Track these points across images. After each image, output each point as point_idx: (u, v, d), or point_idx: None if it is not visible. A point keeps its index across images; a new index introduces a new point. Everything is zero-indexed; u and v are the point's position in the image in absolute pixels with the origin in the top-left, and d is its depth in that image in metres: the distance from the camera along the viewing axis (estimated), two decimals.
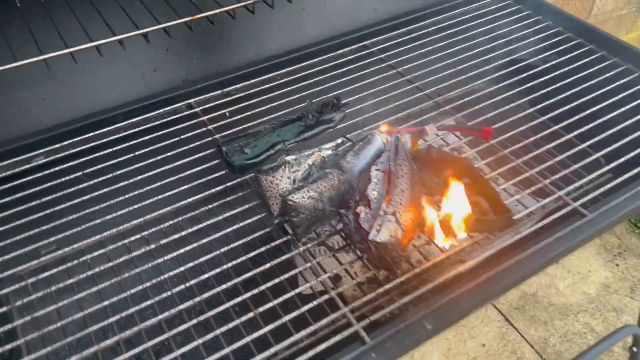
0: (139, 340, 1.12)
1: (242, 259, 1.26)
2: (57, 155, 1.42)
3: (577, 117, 1.55)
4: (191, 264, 1.25)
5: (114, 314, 1.16)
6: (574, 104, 1.59)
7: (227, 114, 1.57)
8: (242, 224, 1.33)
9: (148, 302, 1.18)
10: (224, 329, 1.12)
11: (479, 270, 1.18)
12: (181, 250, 1.28)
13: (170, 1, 1.37)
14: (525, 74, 1.71)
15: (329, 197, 1.23)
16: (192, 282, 1.23)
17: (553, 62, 1.73)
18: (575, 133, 1.52)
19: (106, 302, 1.17)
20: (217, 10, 1.33)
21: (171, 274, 1.23)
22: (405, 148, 1.31)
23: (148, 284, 1.21)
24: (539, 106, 1.61)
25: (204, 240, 1.31)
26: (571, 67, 1.71)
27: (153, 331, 1.39)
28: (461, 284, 1.14)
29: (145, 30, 1.28)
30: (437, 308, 1.09)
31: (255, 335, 1.10)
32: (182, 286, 1.21)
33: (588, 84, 1.65)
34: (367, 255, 1.16)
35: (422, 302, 1.13)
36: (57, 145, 1.44)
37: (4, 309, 1.13)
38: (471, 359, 2.23)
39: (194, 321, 1.15)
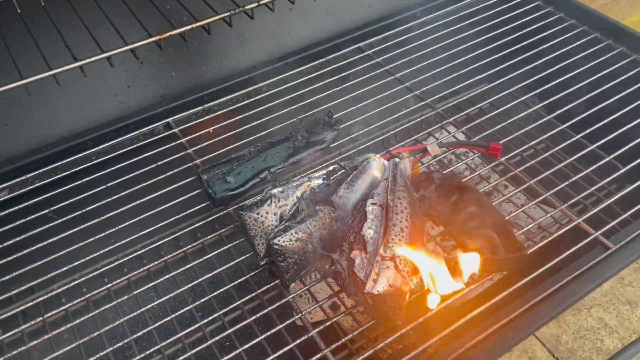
0: None
1: (235, 304, 1.16)
2: (22, 190, 1.30)
3: (599, 124, 1.41)
4: (179, 312, 1.15)
5: None
6: (595, 109, 1.45)
7: (211, 131, 1.43)
8: (233, 262, 1.23)
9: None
10: None
11: (489, 318, 1.06)
12: (168, 296, 1.18)
13: (139, 15, 1.21)
14: (538, 76, 1.55)
15: (319, 237, 1.10)
16: (181, 334, 1.13)
17: (569, 61, 1.57)
18: (598, 143, 1.38)
19: None
20: (190, 26, 1.18)
21: (157, 325, 1.14)
22: (404, 175, 1.17)
23: (132, 337, 1.12)
24: (557, 113, 1.46)
25: (193, 284, 1.20)
26: (588, 65, 1.55)
27: None
28: (469, 335, 1.02)
29: (109, 53, 1.13)
30: None
31: None
32: (171, 339, 1.11)
33: (607, 85, 1.50)
34: (363, 307, 1.04)
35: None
36: (22, 178, 1.32)
37: None
38: None
39: None
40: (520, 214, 1.44)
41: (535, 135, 1.44)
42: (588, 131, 1.39)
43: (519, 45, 1.62)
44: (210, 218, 1.31)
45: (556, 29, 1.66)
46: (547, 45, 1.61)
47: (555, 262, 1.12)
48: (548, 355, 2.24)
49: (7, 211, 1.25)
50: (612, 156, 1.34)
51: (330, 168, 1.22)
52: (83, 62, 1.11)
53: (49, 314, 1.15)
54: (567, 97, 1.48)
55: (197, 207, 1.30)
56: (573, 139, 1.39)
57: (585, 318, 2.31)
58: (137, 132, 1.43)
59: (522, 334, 1.02)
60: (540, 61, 1.57)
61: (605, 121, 1.40)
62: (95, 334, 1.11)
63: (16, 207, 1.25)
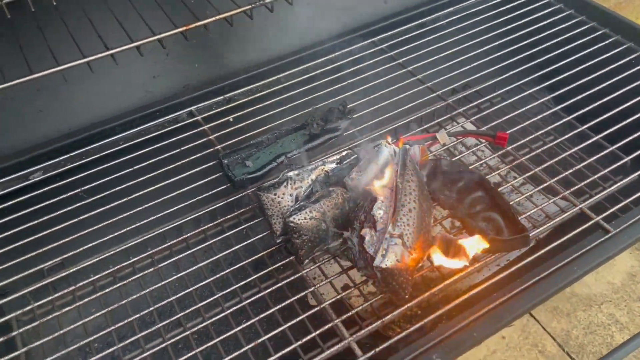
0: None
1: (251, 278, 1.23)
2: (55, 171, 1.39)
3: (605, 116, 1.46)
4: (198, 285, 1.22)
5: (120, 341, 1.14)
6: (602, 101, 1.50)
7: (231, 120, 1.51)
8: (249, 240, 1.30)
9: (154, 327, 1.16)
10: (233, 355, 1.09)
11: (493, 292, 1.11)
12: (188, 270, 1.25)
13: (166, 9, 1.30)
14: (547, 69, 1.60)
15: (332, 216, 1.17)
16: (200, 304, 1.20)
17: (577, 56, 1.62)
18: (603, 134, 1.43)
19: (112, 328, 1.15)
20: (214, 18, 1.26)
21: (177, 296, 1.21)
22: (414, 161, 1.24)
23: (154, 307, 1.19)
24: (564, 104, 1.51)
25: (211, 259, 1.28)
26: (597, 60, 1.60)
27: (159, 354, 1.39)
28: (474, 309, 1.08)
29: (139, 43, 1.22)
30: (447, 338, 1.03)
31: None
32: (190, 309, 1.19)
33: (616, 78, 1.54)
34: (372, 280, 1.10)
35: (431, 330, 1.08)
36: (55, 160, 1.40)
37: (9, 335, 1.11)
38: (491, 352, 2.18)
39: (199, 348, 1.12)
40: (527, 204, 1.49)
41: (542, 127, 1.49)
42: (593, 122, 1.44)
43: (528, 40, 1.67)
44: (229, 200, 1.38)
45: (566, 24, 1.71)
46: (556, 40, 1.66)
47: (557, 244, 1.17)
48: (558, 349, 2.29)
49: (41, 190, 1.33)
50: (615, 146, 1.39)
51: (344, 153, 1.29)
52: (114, 50, 1.20)
53: (78, 286, 1.23)
54: (574, 90, 1.53)
55: (217, 190, 1.37)
56: (579, 130, 1.44)
57: (596, 314, 2.35)
58: (162, 119, 1.51)
59: (522, 309, 1.07)
60: (549, 55, 1.62)
61: (611, 113, 1.44)
62: (119, 304, 1.18)
63: (49, 187, 1.34)
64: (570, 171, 1.36)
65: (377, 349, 1.02)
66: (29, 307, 1.19)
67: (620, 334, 2.13)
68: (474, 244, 1.12)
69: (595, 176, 1.38)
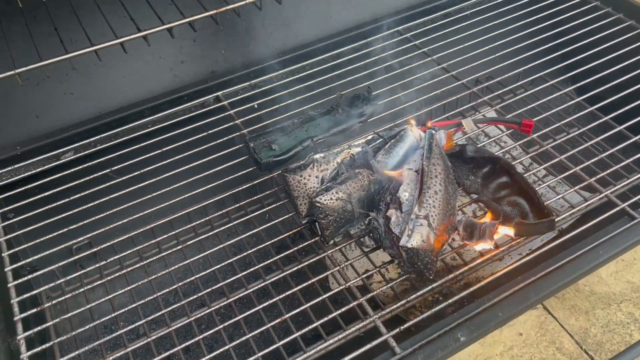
0: (170, 341, 1.12)
1: (273, 259, 1.24)
2: (86, 152, 1.42)
3: (629, 106, 1.45)
4: (222, 264, 1.24)
5: (146, 315, 1.16)
6: (626, 92, 1.49)
7: (256, 106, 1.53)
8: (272, 222, 1.31)
9: (178, 304, 1.18)
10: (255, 332, 1.10)
11: (517, 275, 1.12)
12: (212, 250, 1.27)
13: None
14: (571, 60, 1.60)
15: (358, 198, 1.18)
16: (222, 283, 1.22)
17: (601, 47, 1.61)
18: (626, 125, 1.42)
19: (139, 303, 1.17)
20: (244, 2, 1.28)
21: (201, 275, 1.22)
22: (439, 145, 1.25)
23: (179, 284, 1.21)
24: (587, 95, 1.51)
25: (235, 240, 1.30)
26: (622, 51, 1.59)
27: (184, 330, 1.41)
28: (498, 290, 1.08)
29: (170, 25, 1.24)
30: (472, 317, 1.04)
31: (286, 340, 1.09)
32: (213, 287, 1.20)
33: (638, 71, 1.53)
34: (398, 260, 1.11)
35: (456, 309, 1.08)
36: (86, 141, 1.43)
37: (39, 308, 1.14)
38: (507, 348, 2.17)
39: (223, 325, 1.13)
40: (550, 194, 1.49)
41: (565, 117, 1.49)
42: (617, 113, 1.43)
43: (552, 32, 1.67)
44: (254, 183, 1.40)
45: (591, 16, 1.70)
46: (581, 31, 1.66)
47: (584, 229, 1.17)
48: (576, 347, 2.27)
49: (71, 170, 1.36)
50: (638, 137, 1.38)
51: (369, 137, 1.30)
52: (147, 32, 1.23)
53: (104, 263, 1.25)
54: (598, 81, 1.53)
55: (242, 173, 1.38)
56: (601, 120, 1.44)
57: (615, 312, 2.32)
58: (190, 103, 1.53)
59: (548, 291, 1.07)
60: (573, 47, 1.62)
61: (635, 104, 1.44)
62: (145, 280, 1.20)
63: (80, 167, 1.37)
64: (593, 160, 1.36)
65: (402, 327, 1.03)
66: (58, 282, 1.21)
67: (639, 333, 2.10)
68: (500, 228, 1.13)
69: (619, 166, 1.37)
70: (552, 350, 2.16)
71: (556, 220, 1.20)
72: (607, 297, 2.39)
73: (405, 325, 1.04)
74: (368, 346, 1.03)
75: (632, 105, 1.45)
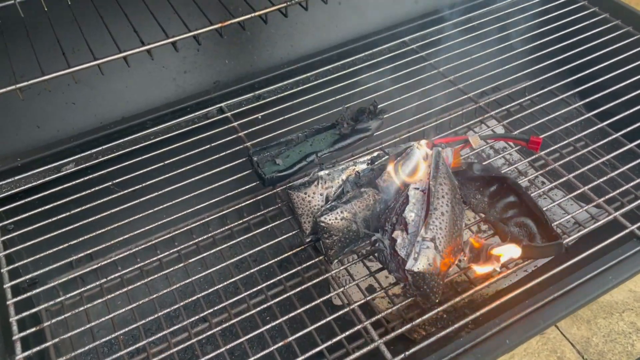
0: (169, 356, 1.11)
1: (277, 278, 1.23)
2: (87, 164, 1.40)
3: (639, 123, 1.43)
4: (225, 283, 1.22)
5: (147, 333, 1.14)
6: (637, 108, 1.46)
7: (260, 117, 1.51)
8: (276, 240, 1.30)
9: (180, 325, 1.16)
10: (260, 355, 1.08)
11: (524, 298, 1.10)
12: (215, 268, 1.25)
13: (200, 4, 1.30)
14: (580, 74, 1.58)
15: (363, 217, 1.16)
16: (227, 302, 1.20)
17: (610, 61, 1.59)
18: (637, 142, 1.40)
19: (140, 322, 1.15)
20: (249, 16, 1.26)
21: (204, 294, 1.21)
22: (446, 163, 1.23)
23: (182, 303, 1.19)
24: (597, 111, 1.48)
25: (238, 257, 1.28)
26: (634, 65, 1.57)
27: (184, 351, 1.39)
28: (506, 315, 1.06)
29: (174, 39, 1.22)
30: (478, 344, 1.02)
31: None
32: (216, 307, 1.18)
33: None
34: (403, 283, 1.10)
35: (456, 334, 1.07)
36: (87, 153, 1.42)
37: (39, 327, 1.12)
38: (508, 357, 2.16)
39: (227, 346, 1.12)
40: (557, 210, 1.46)
41: (575, 132, 1.47)
42: (628, 130, 1.41)
43: (561, 44, 1.65)
44: (256, 198, 1.38)
45: (600, 29, 1.68)
46: (590, 45, 1.63)
47: (591, 252, 1.15)
48: (577, 357, 2.25)
49: (72, 183, 1.34)
50: None
51: (375, 154, 1.28)
52: (151, 46, 1.21)
53: (105, 279, 1.23)
54: (607, 96, 1.50)
55: (245, 188, 1.37)
56: (612, 137, 1.42)
57: (617, 322, 2.31)
58: (193, 114, 1.51)
59: (556, 317, 1.06)
60: (581, 60, 1.60)
61: None
62: (147, 299, 1.19)
63: (81, 179, 1.35)
64: (603, 179, 1.35)
65: (407, 353, 1.01)
66: (59, 299, 1.20)
67: None
68: (507, 250, 1.11)
69: (629, 185, 1.35)
70: (554, 359, 2.15)
71: (564, 242, 1.19)
72: (610, 306, 2.37)
73: (410, 352, 1.02)
74: None
75: None
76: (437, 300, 1.09)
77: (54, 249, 1.23)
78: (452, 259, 1.11)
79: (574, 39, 1.66)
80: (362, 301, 1.16)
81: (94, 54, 1.18)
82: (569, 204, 1.53)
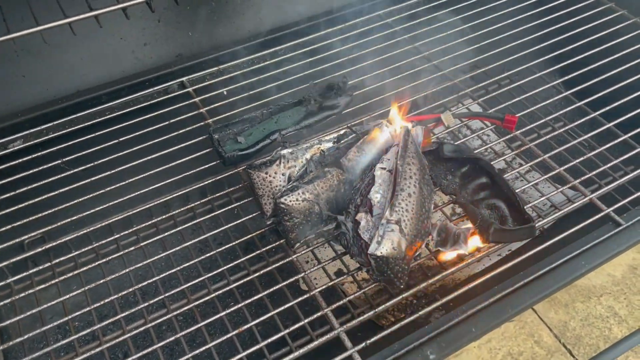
0: (124, 343, 1.06)
1: (239, 260, 1.16)
2: (36, 140, 1.32)
3: (618, 102, 1.37)
4: (185, 265, 1.16)
5: (101, 320, 1.08)
6: (616, 86, 1.41)
7: (225, 93, 1.43)
8: (240, 220, 1.23)
9: (136, 308, 1.09)
10: (218, 341, 1.03)
11: (494, 285, 1.05)
12: (175, 249, 1.18)
13: None
14: (559, 51, 1.52)
15: (326, 199, 1.09)
16: (185, 286, 1.14)
17: (591, 38, 1.53)
18: (616, 122, 1.35)
19: (93, 306, 1.09)
20: None
21: (162, 276, 1.14)
22: (415, 142, 1.16)
23: (138, 286, 1.13)
24: (575, 89, 1.43)
25: (200, 238, 1.21)
26: (613, 42, 1.51)
27: (141, 337, 1.33)
28: (473, 302, 1.01)
29: (125, 4, 1.13)
30: (443, 332, 0.96)
31: (251, 350, 1.02)
32: (174, 291, 1.12)
33: (632, 63, 1.46)
34: (367, 268, 1.04)
35: (426, 320, 1.02)
36: (36, 129, 1.33)
37: None
38: (485, 341, 2.13)
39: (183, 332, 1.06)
40: (533, 192, 1.41)
41: (552, 112, 1.41)
42: (606, 109, 1.36)
43: (541, 20, 1.59)
44: (220, 177, 1.31)
45: (583, 4, 1.62)
46: (570, 20, 1.57)
47: (565, 236, 1.10)
48: (554, 340, 2.23)
49: (20, 160, 1.26)
50: (628, 135, 1.31)
51: (342, 132, 1.21)
52: (98, 11, 1.11)
53: (57, 261, 1.16)
54: (587, 74, 1.45)
55: (207, 166, 1.30)
56: (590, 116, 1.37)
57: (595, 306, 2.29)
58: (152, 89, 1.43)
59: (525, 304, 1.00)
60: (562, 36, 1.53)
61: (624, 100, 1.36)
62: (101, 281, 1.12)
63: (29, 157, 1.27)
64: (580, 160, 1.29)
65: (368, 342, 0.95)
66: (7, 281, 1.13)
67: (618, 327, 2.07)
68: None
69: (606, 166, 1.31)
70: (531, 343, 2.12)
71: (537, 224, 1.13)
72: (588, 290, 2.35)
73: (372, 340, 0.97)
74: None
75: (623, 100, 1.37)
76: (402, 286, 1.03)
77: (2, 229, 1.15)
78: (418, 243, 1.06)
79: (555, 14, 1.60)
80: (325, 286, 1.10)
81: (37, 20, 1.08)
82: (545, 185, 1.48)
